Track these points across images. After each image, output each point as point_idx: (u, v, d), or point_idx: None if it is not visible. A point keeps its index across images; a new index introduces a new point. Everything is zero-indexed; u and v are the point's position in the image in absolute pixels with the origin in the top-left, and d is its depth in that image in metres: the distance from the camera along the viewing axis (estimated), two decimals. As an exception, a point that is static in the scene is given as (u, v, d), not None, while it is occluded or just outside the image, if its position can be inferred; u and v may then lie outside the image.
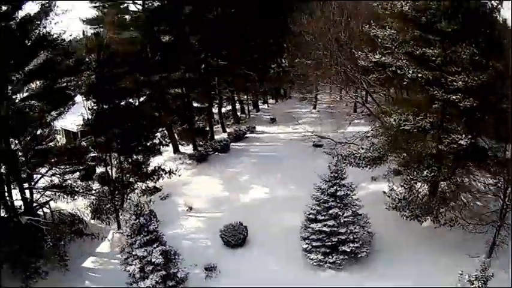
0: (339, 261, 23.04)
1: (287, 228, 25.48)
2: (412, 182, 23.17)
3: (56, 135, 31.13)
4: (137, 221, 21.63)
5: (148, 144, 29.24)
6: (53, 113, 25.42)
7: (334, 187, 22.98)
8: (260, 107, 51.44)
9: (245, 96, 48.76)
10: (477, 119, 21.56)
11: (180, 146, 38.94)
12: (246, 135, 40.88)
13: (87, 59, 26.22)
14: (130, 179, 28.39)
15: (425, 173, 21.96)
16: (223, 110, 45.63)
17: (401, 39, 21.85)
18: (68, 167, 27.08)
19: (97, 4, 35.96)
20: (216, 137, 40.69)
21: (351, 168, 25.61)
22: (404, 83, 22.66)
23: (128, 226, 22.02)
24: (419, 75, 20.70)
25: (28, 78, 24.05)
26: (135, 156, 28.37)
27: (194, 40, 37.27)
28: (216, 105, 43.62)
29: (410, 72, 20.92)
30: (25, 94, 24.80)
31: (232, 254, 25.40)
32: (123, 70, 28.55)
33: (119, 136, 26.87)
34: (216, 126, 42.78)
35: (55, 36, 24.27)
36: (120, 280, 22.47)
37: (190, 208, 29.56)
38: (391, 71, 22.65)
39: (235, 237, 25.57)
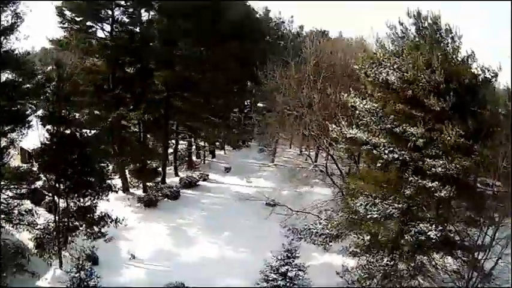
0: None
1: (233, 298, 24.01)
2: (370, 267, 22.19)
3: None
4: (78, 274, 20.93)
5: (97, 187, 27.48)
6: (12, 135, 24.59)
7: (286, 266, 21.79)
8: (217, 152, 50.21)
9: (202, 143, 47.44)
10: (451, 207, 21.05)
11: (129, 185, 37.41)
12: (198, 183, 39.70)
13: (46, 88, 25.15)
14: (76, 223, 26.56)
15: (385, 260, 21.10)
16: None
17: (381, 113, 20.82)
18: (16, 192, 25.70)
19: (65, 25, 34.72)
20: (168, 180, 39.48)
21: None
22: (379, 164, 21.29)
23: (69, 278, 21.14)
24: (396, 155, 19.86)
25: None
26: (82, 199, 26.55)
27: (158, 78, 36.55)
28: (171, 146, 42.52)
29: (387, 152, 20.07)
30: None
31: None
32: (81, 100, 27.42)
33: (68, 176, 25.35)
34: (168, 168, 41.45)
35: (19, 55, 23.47)
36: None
37: (134, 256, 27.80)
38: (366, 149, 21.70)
39: (175, 299, 23.91)
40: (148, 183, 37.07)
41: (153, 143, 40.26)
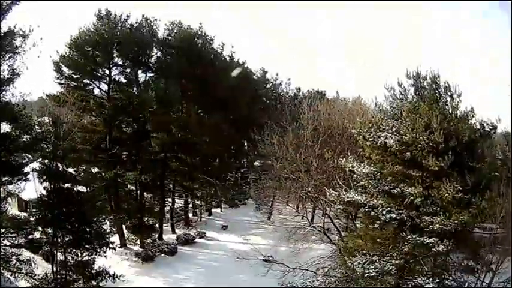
0: None
1: None
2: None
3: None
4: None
5: (95, 243, 27.59)
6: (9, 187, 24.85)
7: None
8: (213, 210, 50.38)
9: (198, 202, 47.86)
10: (448, 259, 21.14)
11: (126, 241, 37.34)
12: (196, 240, 39.84)
13: (42, 144, 25.38)
14: (74, 276, 26.48)
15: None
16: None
17: (379, 175, 21.07)
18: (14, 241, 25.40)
19: (62, 81, 35.64)
20: (165, 237, 39.68)
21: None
22: (376, 225, 21.20)
23: None
24: (394, 215, 19.97)
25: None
26: (80, 254, 26.59)
27: (155, 141, 37.48)
28: (168, 204, 42.73)
29: (384, 213, 20.18)
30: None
31: None
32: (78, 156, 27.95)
33: (66, 231, 25.67)
34: (165, 225, 41.58)
35: (15, 108, 23.73)
36: None
37: (131, 311, 27.55)
38: (363, 211, 21.68)
39: None
40: (145, 240, 37.06)
41: (150, 201, 40.28)
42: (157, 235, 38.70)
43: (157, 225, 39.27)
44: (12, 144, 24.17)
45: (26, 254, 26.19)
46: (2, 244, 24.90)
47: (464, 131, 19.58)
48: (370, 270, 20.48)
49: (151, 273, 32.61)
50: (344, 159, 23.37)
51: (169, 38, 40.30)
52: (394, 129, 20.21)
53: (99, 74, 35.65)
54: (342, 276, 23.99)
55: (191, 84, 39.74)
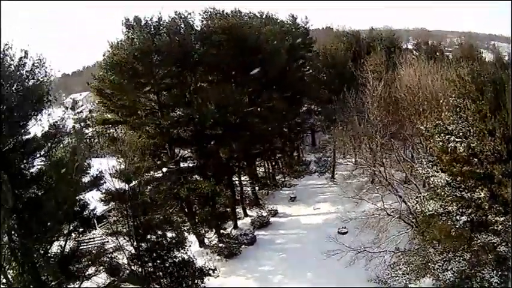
0: None
1: None
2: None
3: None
4: None
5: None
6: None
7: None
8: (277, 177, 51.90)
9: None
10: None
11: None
12: (270, 221, 41.17)
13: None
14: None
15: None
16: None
17: (454, 183, 21.67)
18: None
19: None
20: (239, 222, 41.13)
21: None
22: (452, 233, 21.78)
23: None
24: (464, 218, 20.90)
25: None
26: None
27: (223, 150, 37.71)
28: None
29: (458, 218, 21.09)
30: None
31: None
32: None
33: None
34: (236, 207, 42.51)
35: None
36: None
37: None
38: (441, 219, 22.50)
39: None
40: (222, 231, 38.11)
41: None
42: (231, 222, 40.17)
43: (229, 210, 40.04)
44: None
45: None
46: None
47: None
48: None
49: (239, 271, 34.06)
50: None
51: (210, 29, 38.47)
52: (461, 133, 20.67)
53: (146, 89, 35.03)
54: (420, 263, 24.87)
55: (241, 74, 39.89)
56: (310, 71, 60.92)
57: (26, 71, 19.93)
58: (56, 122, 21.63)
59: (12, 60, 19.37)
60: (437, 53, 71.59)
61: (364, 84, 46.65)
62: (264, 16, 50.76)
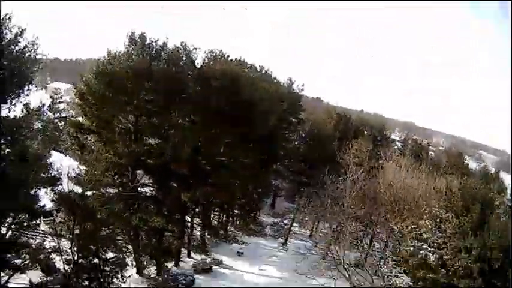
0: None
1: None
2: None
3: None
4: None
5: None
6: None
7: None
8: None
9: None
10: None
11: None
12: (212, 268, 40.47)
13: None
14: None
15: None
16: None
17: None
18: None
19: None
20: (181, 262, 40.41)
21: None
22: None
23: None
24: None
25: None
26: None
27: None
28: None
29: None
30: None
31: None
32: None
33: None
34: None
35: None
36: None
37: None
38: None
39: None
40: (164, 264, 37.35)
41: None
42: (173, 259, 39.26)
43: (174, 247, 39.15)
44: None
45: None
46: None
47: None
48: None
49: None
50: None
51: (209, 69, 38.19)
52: (436, 244, 21.36)
53: (128, 108, 34.37)
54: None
55: (225, 123, 37.99)
56: (292, 137, 61.59)
57: (17, 50, 19.72)
58: (35, 107, 21.36)
59: (10, 31, 19.12)
60: (423, 153, 73.47)
61: (344, 168, 46.77)
62: (263, 71, 51.92)
